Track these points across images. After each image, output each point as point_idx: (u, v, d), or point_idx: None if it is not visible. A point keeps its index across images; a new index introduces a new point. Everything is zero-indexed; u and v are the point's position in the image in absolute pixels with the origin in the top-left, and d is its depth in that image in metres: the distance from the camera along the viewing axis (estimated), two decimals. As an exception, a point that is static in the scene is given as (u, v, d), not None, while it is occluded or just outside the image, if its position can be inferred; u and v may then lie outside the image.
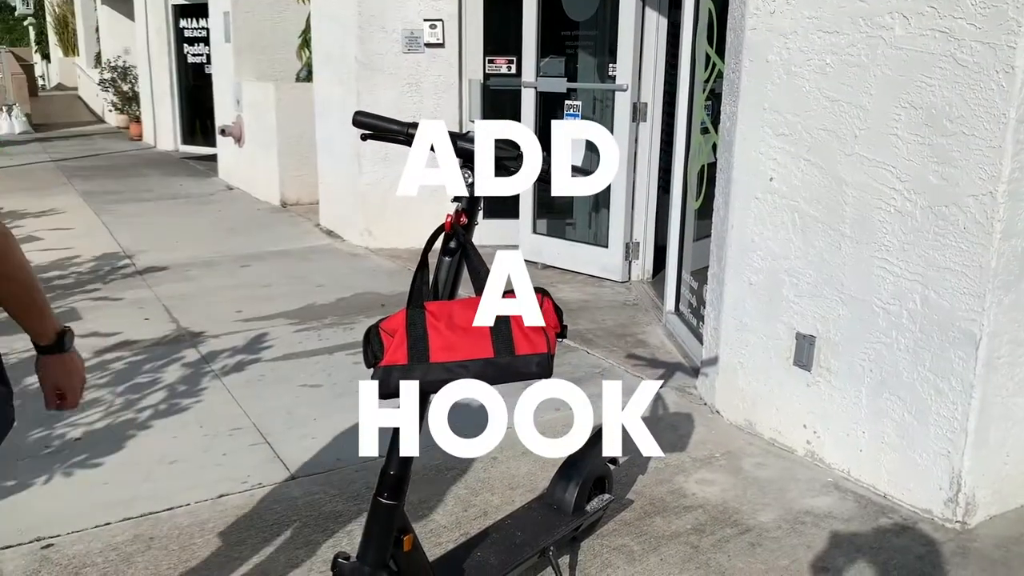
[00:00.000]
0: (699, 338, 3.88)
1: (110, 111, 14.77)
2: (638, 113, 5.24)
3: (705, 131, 4.24)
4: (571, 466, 2.45)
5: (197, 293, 5.27)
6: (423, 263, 1.79)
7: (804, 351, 3.06)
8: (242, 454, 3.18)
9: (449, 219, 1.80)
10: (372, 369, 1.71)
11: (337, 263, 6.00)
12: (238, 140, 8.79)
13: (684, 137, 4.43)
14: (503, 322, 1.69)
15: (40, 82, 22.79)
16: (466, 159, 1.80)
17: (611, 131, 5.33)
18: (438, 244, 1.85)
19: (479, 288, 1.72)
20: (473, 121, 6.03)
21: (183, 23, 11.20)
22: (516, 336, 1.68)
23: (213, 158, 9.88)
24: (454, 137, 1.82)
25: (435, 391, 1.72)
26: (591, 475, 2.46)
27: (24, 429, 3.35)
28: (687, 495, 2.87)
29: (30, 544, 2.59)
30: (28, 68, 18.54)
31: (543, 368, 1.68)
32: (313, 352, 4.22)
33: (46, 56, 24.86)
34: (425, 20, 5.95)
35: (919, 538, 2.64)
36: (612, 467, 2.59)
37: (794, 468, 3.07)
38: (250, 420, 3.45)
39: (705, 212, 3.93)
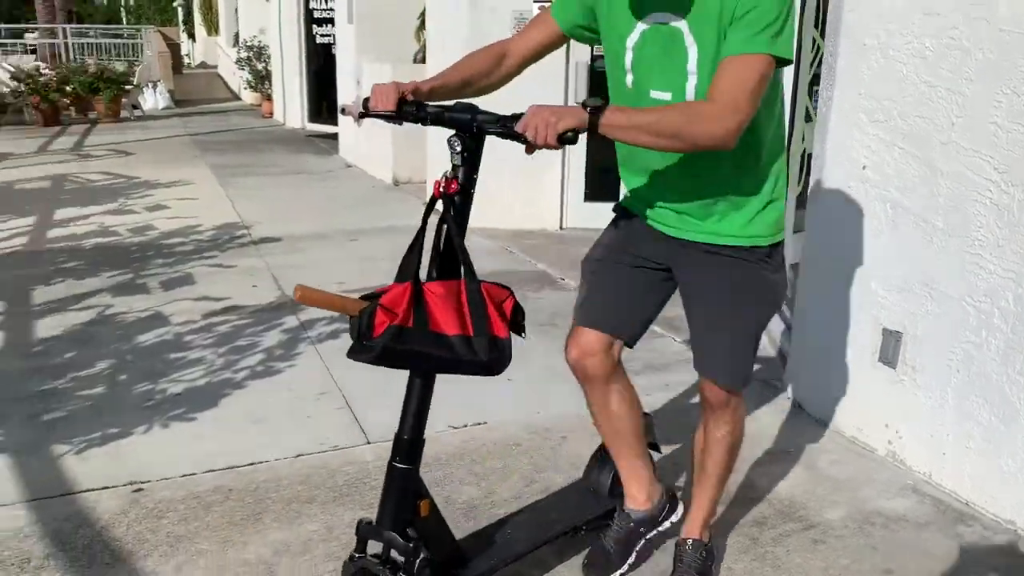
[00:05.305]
0: (792, 331, 3.78)
1: (245, 89, 15.49)
2: (745, 98, 5.10)
3: (808, 119, 4.11)
4: (606, 452, 2.42)
5: (305, 264, 5.50)
6: (420, 233, 1.85)
7: (890, 348, 2.94)
8: (325, 417, 3.32)
9: (437, 185, 1.83)
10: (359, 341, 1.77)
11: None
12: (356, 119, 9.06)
13: (787, 123, 4.30)
14: (481, 302, 1.79)
15: (185, 60, 24.10)
16: (458, 128, 1.84)
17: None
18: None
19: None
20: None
21: (312, 4, 11.60)
22: (492, 317, 1.80)
23: (336, 136, 10.23)
24: (444, 108, 1.88)
25: (427, 364, 1.82)
26: None
27: (132, 382, 3.61)
28: (754, 487, 2.81)
29: (124, 487, 2.79)
30: (174, 47, 19.64)
31: (499, 353, 1.80)
32: (404, 325, 4.34)
33: (192, 35, 26.26)
34: (535, 1, 5.97)
35: (998, 550, 2.51)
36: (655, 453, 2.54)
37: (873, 468, 2.96)
38: (337, 386, 3.59)
39: (805, 202, 3.81)
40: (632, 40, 1.92)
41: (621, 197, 2.22)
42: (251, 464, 2.94)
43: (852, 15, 2.98)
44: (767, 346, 4.08)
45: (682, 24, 1.84)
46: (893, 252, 2.92)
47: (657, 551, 2.44)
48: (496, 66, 2.12)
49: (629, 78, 1.97)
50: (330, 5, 11.07)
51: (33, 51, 17.42)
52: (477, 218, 6.13)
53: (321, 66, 11.75)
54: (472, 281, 1.82)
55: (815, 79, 3.87)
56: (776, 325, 4.16)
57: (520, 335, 1.86)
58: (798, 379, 3.43)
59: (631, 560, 2.32)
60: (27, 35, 19.57)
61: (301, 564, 2.41)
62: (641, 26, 1.90)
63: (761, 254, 2.02)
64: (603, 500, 2.38)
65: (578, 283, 2.27)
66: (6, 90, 12.84)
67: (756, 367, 3.83)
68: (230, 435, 3.17)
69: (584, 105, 1.72)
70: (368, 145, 8.82)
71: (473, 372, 1.81)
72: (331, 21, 11.08)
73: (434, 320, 1.77)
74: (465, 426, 3.19)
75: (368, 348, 1.75)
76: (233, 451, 3.03)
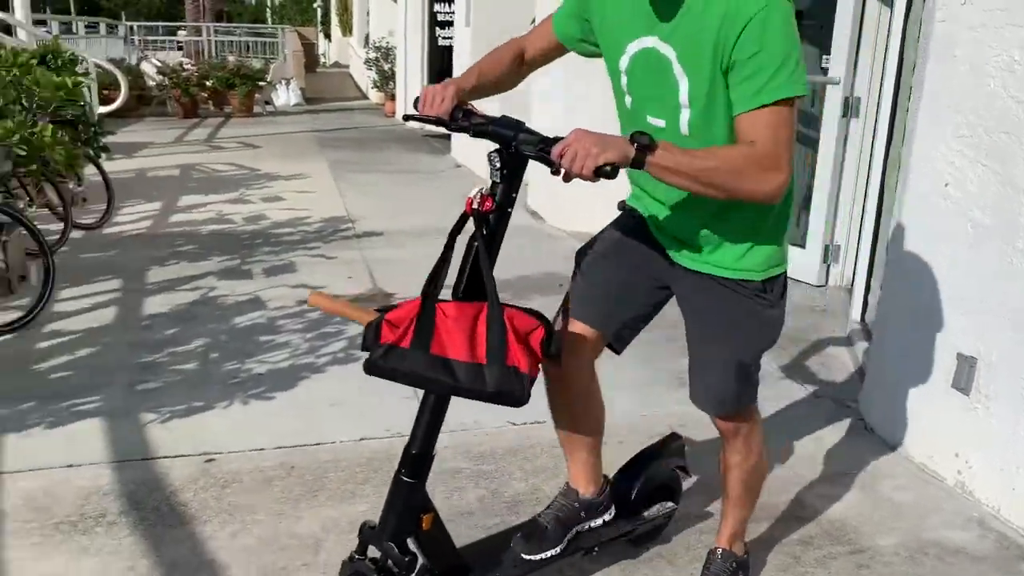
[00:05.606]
0: (871, 349, 3.65)
1: (372, 88, 15.99)
2: (850, 108, 4.95)
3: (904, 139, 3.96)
4: (630, 469, 2.39)
5: (401, 259, 5.67)
6: (447, 250, 1.78)
7: (964, 374, 2.81)
8: (393, 405, 3.42)
9: (469, 202, 1.75)
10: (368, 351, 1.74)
11: (533, 243, 6.17)
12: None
13: (885, 137, 4.16)
14: (499, 331, 1.68)
15: (321, 59, 25.09)
16: (499, 143, 1.77)
17: (819, 125, 5.08)
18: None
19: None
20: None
21: (436, 7, 11.90)
22: (511, 348, 1.67)
23: (451, 137, 10.45)
24: (490, 120, 1.82)
25: (424, 385, 1.76)
26: (651, 480, 2.38)
27: (222, 360, 3.83)
28: (805, 506, 2.75)
29: (198, 456, 2.99)
30: (309, 46, 20.49)
31: (517, 386, 1.67)
32: (484, 322, 4.43)
33: (328, 36, 27.32)
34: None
35: (1062, 592, 2.38)
36: (685, 476, 2.49)
37: (940, 497, 2.84)
38: (409, 377, 3.70)
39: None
40: (623, 63, 1.88)
41: (628, 195, 2.17)
42: (316, 444, 3.09)
43: (943, 25, 2.88)
44: (848, 363, 3.95)
45: (669, 52, 1.77)
46: (973, 274, 2.79)
47: (695, 562, 2.43)
48: (517, 67, 2.15)
49: (628, 99, 1.94)
50: (452, 9, 11.32)
51: (181, 48, 18.56)
52: (561, 219, 6.22)
53: (443, 68, 11.99)
54: (494, 308, 1.70)
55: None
56: (860, 343, 4.03)
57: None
58: (871, 400, 3.32)
59: (563, 545, 2.20)
60: (179, 33, 20.90)
61: (346, 541, 2.51)
62: (631, 49, 1.85)
63: (754, 288, 1.97)
64: (621, 520, 2.33)
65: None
66: (152, 84, 13.74)
67: (824, 386, 3.75)
68: (303, 415, 3.33)
69: (632, 140, 1.64)
70: (474, 145, 8.98)
71: (482, 400, 1.71)
72: (452, 24, 11.33)
73: (439, 343, 1.70)
74: (524, 423, 3.25)
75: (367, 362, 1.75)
76: (303, 430, 3.19)
